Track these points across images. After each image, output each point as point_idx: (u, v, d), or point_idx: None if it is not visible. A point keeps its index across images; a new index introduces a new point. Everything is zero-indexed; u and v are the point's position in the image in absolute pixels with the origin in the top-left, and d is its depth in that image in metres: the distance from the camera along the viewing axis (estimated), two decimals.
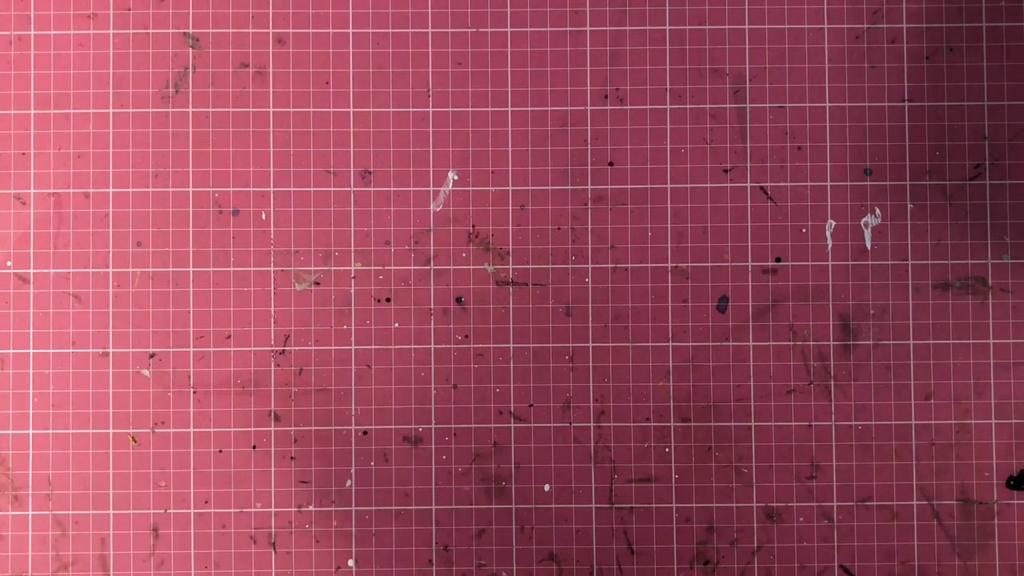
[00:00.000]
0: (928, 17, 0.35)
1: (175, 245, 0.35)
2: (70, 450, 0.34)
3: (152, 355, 0.34)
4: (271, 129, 0.35)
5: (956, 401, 0.34)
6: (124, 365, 0.34)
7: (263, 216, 0.35)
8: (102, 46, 0.35)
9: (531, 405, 0.34)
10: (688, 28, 0.35)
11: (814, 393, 0.34)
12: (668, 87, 0.35)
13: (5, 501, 0.34)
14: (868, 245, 0.35)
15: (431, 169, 0.35)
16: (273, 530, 0.34)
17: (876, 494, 0.34)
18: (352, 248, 0.35)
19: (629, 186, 0.35)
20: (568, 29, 0.35)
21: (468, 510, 0.34)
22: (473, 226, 0.35)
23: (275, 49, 0.35)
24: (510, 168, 0.35)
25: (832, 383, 0.34)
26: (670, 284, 0.35)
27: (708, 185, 0.35)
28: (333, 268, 0.35)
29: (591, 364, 0.34)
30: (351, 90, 0.35)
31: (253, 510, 0.34)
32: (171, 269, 0.34)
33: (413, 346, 0.35)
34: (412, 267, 0.35)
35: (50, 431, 0.34)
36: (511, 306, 0.35)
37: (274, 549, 0.34)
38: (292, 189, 0.35)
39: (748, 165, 0.35)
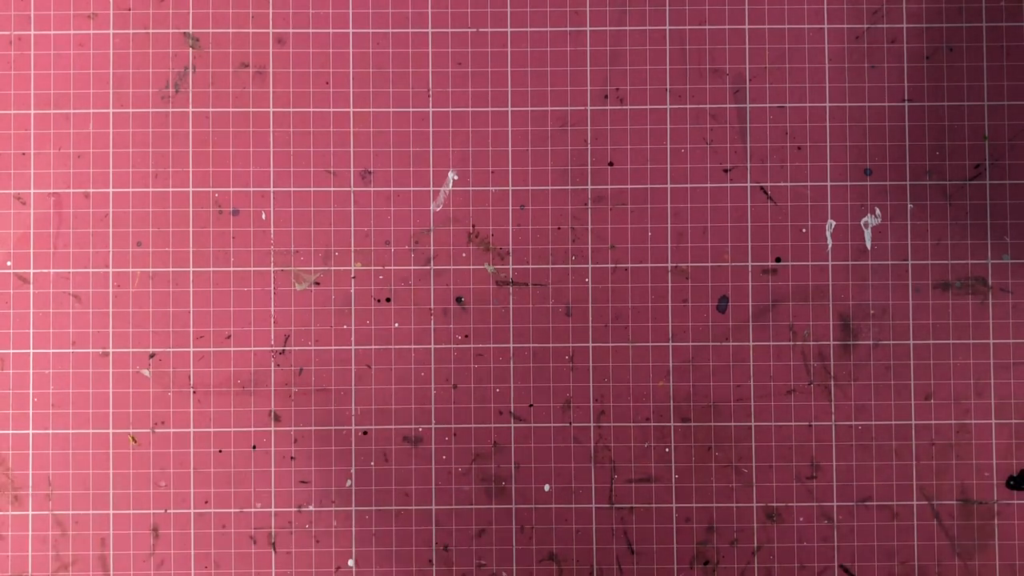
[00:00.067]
0: (928, 17, 0.35)
1: (175, 245, 0.35)
2: (70, 450, 0.34)
3: (152, 355, 0.34)
4: (271, 129, 0.35)
5: (956, 401, 0.34)
6: (124, 365, 0.34)
7: (263, 216, 0.35)
8: (102, 46, 0.35)
9: (531, 405, 0.34)
10: (688, 28, 0.35)
11: (814, 393, 0.34)
12: (668, 87, 0.35)
13: (5, 501, 0.34)
14: (868, 245, 0.35)
15: (431, 169, 0.35)
16: (273, 530, 0.34)
17: (876, 494, 0.34)
18: (352, 248, 0.35)
19: (629, 186, 0.35)
20: (568, 29, 0.35)
21: (468, 510, 0.34)
22: (473, 226, 0.35)
23: (275, 49, 0.35)
24: (510, 168, 0.35)
25: (832, 383, 0.34)
26: (670, 284, 0.35)
27: (708, 185, 0.35)
28: (333, 268, 0.35)
29: (591, 364, 0.34)
30: (351, 90, 0.35)
31: (253, 510, 0.34)
32: (171, 269, 0.34)
33: (413, 346, 0.35)
34: (412, 267, 0.35)
35: (50, 431, 0.34)
36: (511, 306, 0.35)
37: (274, 549, 0.34)
38: (292, 189, 0.35)
39: (748, 165, 0.35)
